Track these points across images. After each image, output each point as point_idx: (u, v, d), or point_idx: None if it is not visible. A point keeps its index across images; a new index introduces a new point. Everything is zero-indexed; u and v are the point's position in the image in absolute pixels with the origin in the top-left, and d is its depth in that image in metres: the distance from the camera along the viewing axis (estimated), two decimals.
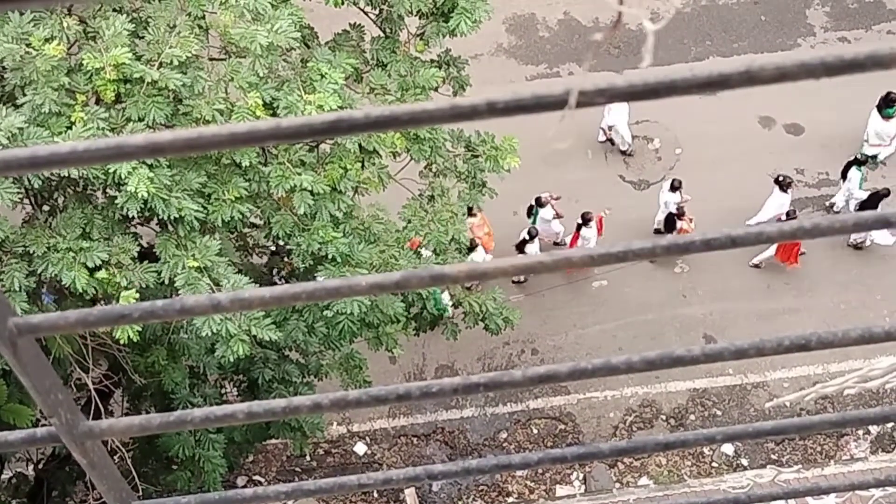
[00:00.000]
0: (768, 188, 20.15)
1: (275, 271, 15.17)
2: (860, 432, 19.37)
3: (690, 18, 23.46)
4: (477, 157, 14.29)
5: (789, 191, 19.75)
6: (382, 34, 13.87)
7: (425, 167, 14.24)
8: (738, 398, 19.65)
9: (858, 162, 20.09)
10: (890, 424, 19.26)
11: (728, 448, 19.30)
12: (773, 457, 19.19)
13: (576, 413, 19.67)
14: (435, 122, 1.35)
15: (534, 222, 19.95)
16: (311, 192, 12.13)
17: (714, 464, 19.26)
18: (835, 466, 19.07)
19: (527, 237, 19.51)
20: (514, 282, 20.14)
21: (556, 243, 20.41)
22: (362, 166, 12.99)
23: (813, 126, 21.74)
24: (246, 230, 14.81)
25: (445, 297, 16.68)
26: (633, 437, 19.22)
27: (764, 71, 1.37)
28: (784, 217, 19.29)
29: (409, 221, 13.80)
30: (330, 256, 12.64)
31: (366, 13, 13.89)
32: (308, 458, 19.24)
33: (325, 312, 13.14)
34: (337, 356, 14.96)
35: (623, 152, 21.58)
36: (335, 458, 19.49)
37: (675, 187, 19.88)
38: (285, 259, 14.40)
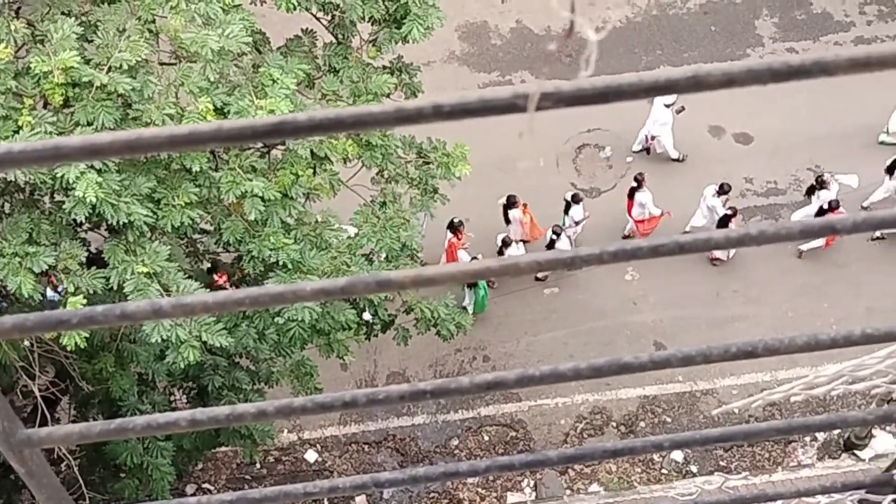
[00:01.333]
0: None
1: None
2: (807, 439, 19.55)
3: (641, 28, 23.61)
4: (429, 163, 14.28)
5: None
6: (335, 40, 13.84)
7: (377, 173, 14.21)
8: (688, 405, 19.76)
9: None
10: (836, 431, 19.46)
11: (677, 455, 19.40)
12: (722, 463, 19.31)
13: (527, 420, 19.69)
14: (380, 125, 1.33)
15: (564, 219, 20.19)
16: (262, 199, 12.06)
17: (664, 470, 19.35)
18: (782, 473, 19.21)
19: (553, 236, 19.69)
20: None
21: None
22: (314, 172, 12.94)
23: (762, 135, 21.93)
24: (196, 236, 14.70)
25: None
26: (583, 443, 19.28)
27: (711, 76, 1.36)
28: None
29: (361, 228, 13.76)
30: (281, 263, 12.58)
31: (318, 19, 13.85)
32: (258, 465, 19.12)
33: (275, 319, 13.08)
34: (288, 363, 14.88)
35: (675, 159, 21.58)
36: (286, 466, 19.38)
37: (724, 191, 19.98)
38: (235, 265, 14.32)
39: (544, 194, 20.72)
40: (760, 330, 19.99)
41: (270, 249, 12.48)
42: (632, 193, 20.09)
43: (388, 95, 13.58)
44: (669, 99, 20.41)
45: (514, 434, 19.59)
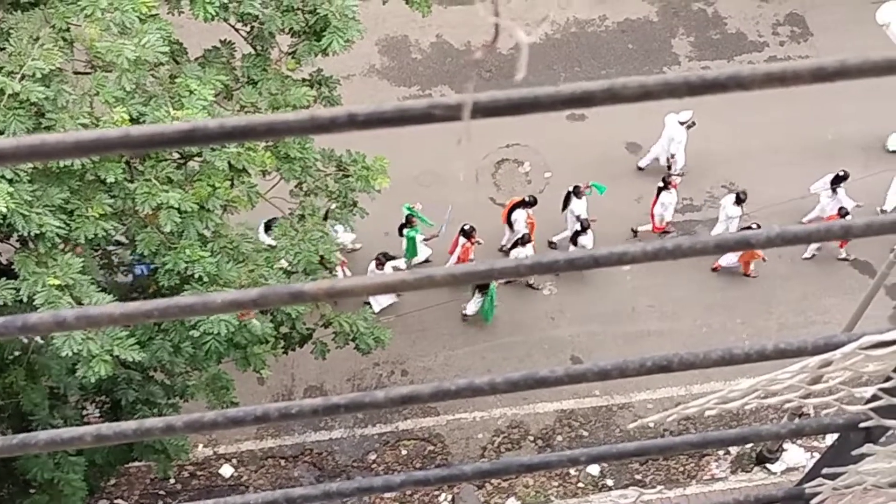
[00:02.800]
0: (637, 209, 20.57)
1: (140, 290, 14.87)
2: (721, 452, 19.79)
3: (560, 45, 23.80)
4: (348, 176, 14.23)
5: None
6: (253, 51, 13.74)
7: (296, 186, 14.13)
8: (604, 419, 19.90)
9: None
10: (749, 445, 19.72)
11: (594, 468, 19.52)
12: (638, 477, 19.47)
13: (445, 434, 19.68)
14: (293, 133, 1.31)
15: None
16: (179, 210, 11.91)
17: (580, 484, 19.45)
18: (696, 486, 19.43)
19: (579, 228, 19.98)
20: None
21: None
22: (231, 185, 12.82)
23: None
24: (111, 248, 14.48)
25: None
26: (501, 457, 19.31)
27: (628, 89, 1.36)
28: None
29: (279, 241, 13.67)
30: (197, 276, 12.42)
31: (237, 30, 13.74)
32: (172, 480, 18.86)
33: (191, 332, 12.91)
34: (203, 377, 14.69)
35: (678, 174, 21.77)
36: (200, 481, 19.15)
37: (741, 200, 20.37)
38: (150, 277, 14.13)
39: (465, 209, 20.75)
40: (675, 345, 20.21)
41: (186, 262, 12.32)
42: (659, 192, 20.67)
43: (307, 108, 13.51)
44: (684, 116, 20.94)
45: (431, 448, 19.56)
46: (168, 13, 13.01)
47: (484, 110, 1.41)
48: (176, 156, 12.97)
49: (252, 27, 13.44)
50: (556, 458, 2.17)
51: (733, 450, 19.89)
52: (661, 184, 20.65)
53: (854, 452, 2.71)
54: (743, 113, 21.52)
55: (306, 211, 14.03)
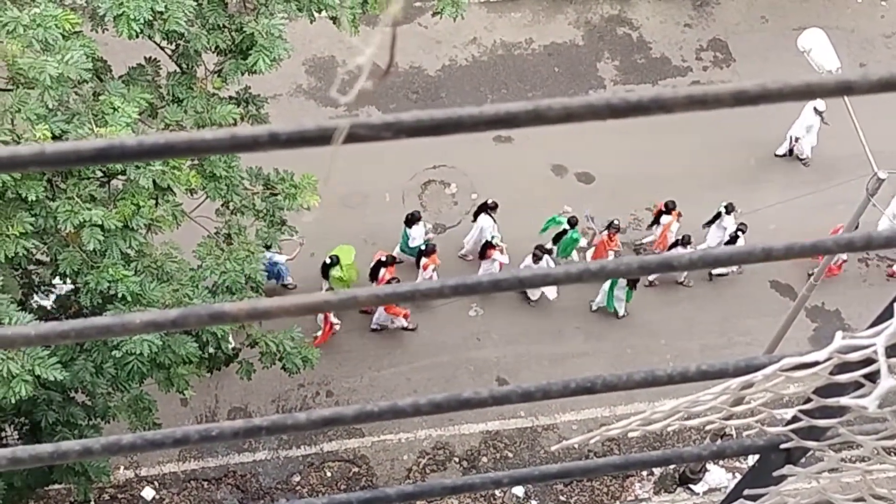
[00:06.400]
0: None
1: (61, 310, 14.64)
2: (644, 473, 19.93)
3: (487, 67, 23.93)
4: (276, 195, 14.14)
5: None
6: (179, 69, 13.63)
7: (222, 205, 14.01)
8: (530, 440, 19.95)
9: None
10: (672, 466, 19.88)
11: (518, 490, 19.54)
12: (562, 498, 19.53)
13: (370, 455, 19.60)
14: (214, 152, 1.29)
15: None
16: (102, 228, 11.76)
17: None
18: None
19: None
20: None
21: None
22: (156, 203, 12.69)
23: (603, 175, 22.40)
24: (32, 267, 14.24)
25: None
26: (426, 479, 19.27)
27: (551, 110, 1.36)
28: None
29: (204, 260, 13.53)
30: (120, 295, 12.26)
31: (162, 48, 13.62)
32: (92, 503, 18.54)
33: (113, 352, 12.72)
34: (126, 398, 14.48)
35: (803, 161, 22.76)
36: None
37: (729, 210, 20.88)
38: (72, 297, 13.92)
39: (390, 230, 20.74)
40: (601, 366, 20.33)
41: (109, 281, 12.16)
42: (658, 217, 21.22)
43: (233, 125, 13.41)
44: (822, 105, 21.50)
45: (356, 470, 19.46)
46: (92, 30, 12.87)
47: (408, 130, 1.40)
48: (99, 174, 12.81)
49: (177, 45, 13.34)
50: (479, 480, 2.17)
51: (657, 470, 20.03)
52: (664, 209, 21.01)
53: (775, 473, 2.74)
54: (666, 136, 21.77)
55: (232, 230, 13.92)
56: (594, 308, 21.06)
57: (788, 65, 21.92)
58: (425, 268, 19.95)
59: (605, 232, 20.74)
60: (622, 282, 20.00)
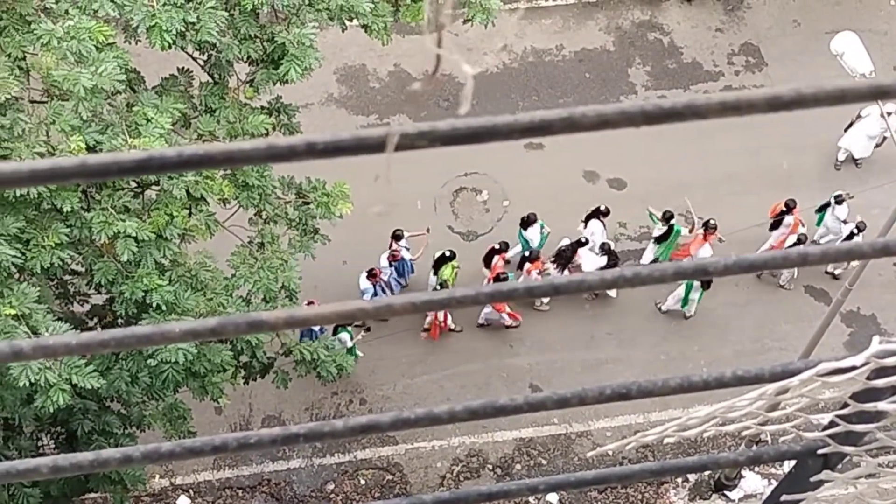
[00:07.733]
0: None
1: (96, 319, 14.74)
2: (679, 480, 19.82)
3: (518, 74, 23.91)
4: (308, 203, 14.19)
5: None
6: (211, 80, 13.70)
7: (255, 214, 14.07)
8: (563, 447, 19.90)
9: None
10: (707, 472, 19.78)
11: (553, 497, 19.49)
12: None
13: (403, 463, 19.60)
14: (251, 162, 1.31)
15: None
16: (136, 239, 11.84)
17: None
18: None
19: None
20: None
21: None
22: (189, 213, 12.76)
23: (634, 181, 22.34)
24: (67, 277, 14.35)
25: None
26: (460, 486, 19.26)
27: (586, 117, 1.37)
28: None
29: (238, 269, 13.59)
30: (154, 304, 12.34)
31: (194, 59, 13.70)
32: None
33: (148, 361, 12.80)
34: (160, 406, 14.57)
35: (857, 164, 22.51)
36: None
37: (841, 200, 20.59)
38: (107, 307, 14.01)
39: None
40: (634, 372, 20.26)
41: (144, 291, 12.24)
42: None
43: (265, 135, 13.46)
44: (890, 107, 20.77)
45: (390, 477, 19.47)
46: (125, 42, 12.96)
47: (443, 138, 1.41)
48: (133, 185, 12.89)
49: (209, 55, 13.41)
50: (515, 487, 2.17)
51: (692, 477, 19.93)
52: (785, 209, 20.63)
53: (812, 479, 2.72)
54: (698, 141, 21.70)
55: (265, 239, 13.98)
56: (663, 310, 20.95)
57: (821, 68, 21.80)
58: (528, 273, 20.03)
59: (701, 230, 20.49)
60: (696, 283, 19.89)
